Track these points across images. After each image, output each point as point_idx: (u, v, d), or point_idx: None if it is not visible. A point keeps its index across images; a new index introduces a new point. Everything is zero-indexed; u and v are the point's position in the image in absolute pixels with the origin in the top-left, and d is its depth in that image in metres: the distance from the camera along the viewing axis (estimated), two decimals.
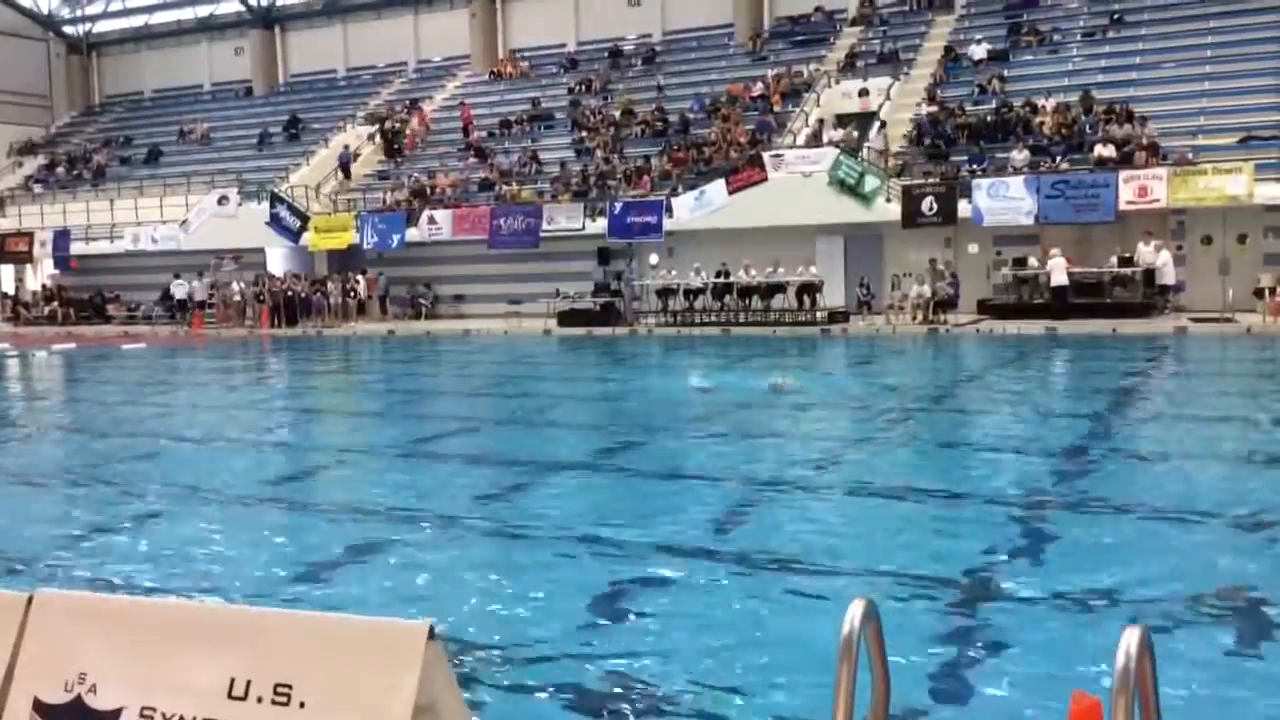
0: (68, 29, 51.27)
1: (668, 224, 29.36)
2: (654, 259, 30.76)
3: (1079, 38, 32.42)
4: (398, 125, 39.66)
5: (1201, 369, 18.37)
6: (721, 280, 28.34)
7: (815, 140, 29.86)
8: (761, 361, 20.50)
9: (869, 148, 28.94)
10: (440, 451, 12.40)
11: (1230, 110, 27.04)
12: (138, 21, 50.63)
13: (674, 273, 29.36)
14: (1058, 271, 24.82)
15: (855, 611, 3.37)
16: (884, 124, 30.18)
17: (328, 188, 37.16)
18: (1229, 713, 4.82)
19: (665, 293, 29.01)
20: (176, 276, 36.24)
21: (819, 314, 26.94)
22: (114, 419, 16.15)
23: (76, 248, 38.82)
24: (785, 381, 16.38)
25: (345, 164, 38.23)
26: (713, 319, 28.17)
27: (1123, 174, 25.00)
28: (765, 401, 15.15)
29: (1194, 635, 5.66)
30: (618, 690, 5.25)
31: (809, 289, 27.32)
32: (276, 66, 47.53)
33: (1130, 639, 3.05)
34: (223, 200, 36.21)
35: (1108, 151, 26.09)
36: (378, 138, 39.33)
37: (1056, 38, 32.69)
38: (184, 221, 36.81)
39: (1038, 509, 8.46)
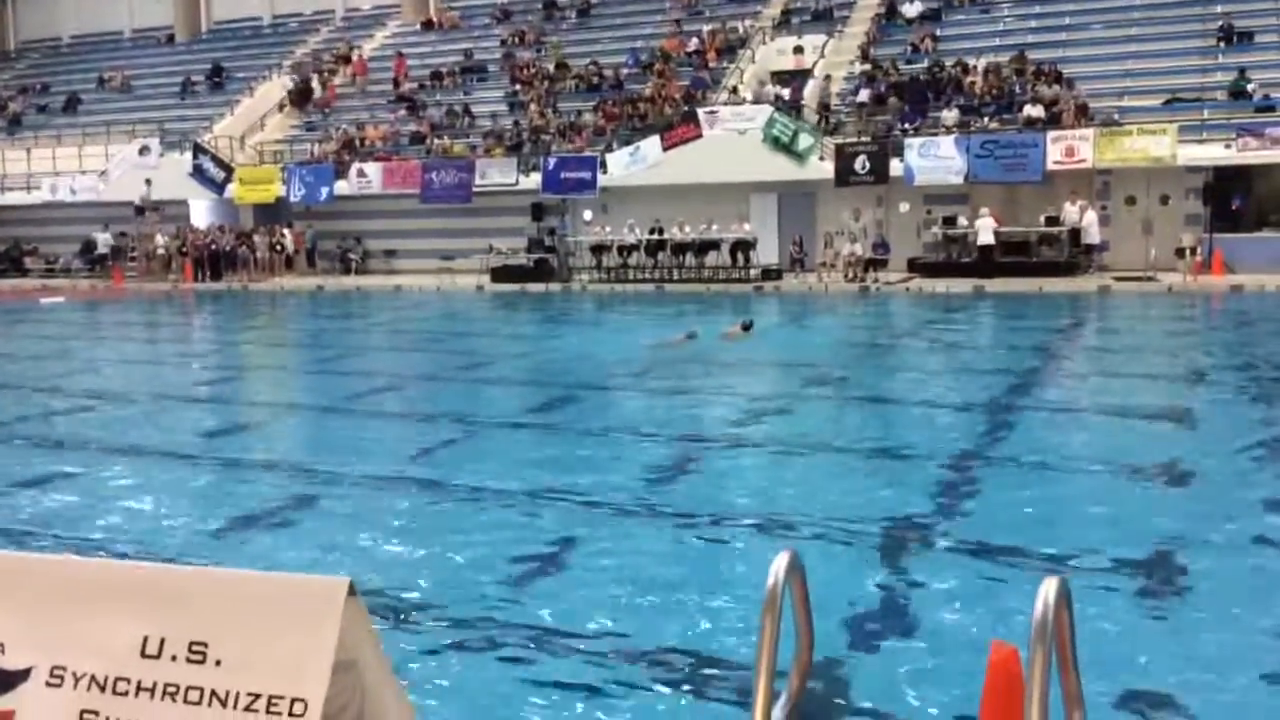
0: None
1: (602, 180, 29.18)
2: (588, 215, 30.57)
3: None
4: (324, 74, 38.88)
5: (1123, 326, 18.77)
6: (655, 237, 28.27)
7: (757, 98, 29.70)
8: (695, 319, 20.50)
9: (805, 105, 28.96)
10: (371, 408, 12.27)
11: (1155, 72, 27.46)
12: None
13: (608, 229, 29.21)
14: (984, 231, 25.16)
15: (780, 564, 3.39)
16: (829, 77, 30.20)
17: (254, 138, 36.29)
18: (1144, 661, 4.96)
19: (599, 249, 28.87)
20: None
21: (752, 271, 27.04)
22: (31, 375, 15.73)
23: None
24: (735, 330, 16.82)
25: (305, 77, 38.21)
26: (647, 276, 28.13)
27: (1050, 134, 25.32)
28: (696, 357, 15.18)
29: (1113, 586, 5.80)
30: (545, 645, 5.26)
31: (743, 246, 27.37)
32: (199, 13, 46.15)
33: (1048, 589, 3.11)
34: (144, 150, 35.21)
35: (1036, 112, 26.39)
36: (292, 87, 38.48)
37: None
38: (103, 172, 35.76)
39: (963, 464, 8.60)
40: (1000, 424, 10.22)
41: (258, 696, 2.48)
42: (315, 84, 38.52)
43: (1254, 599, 5.65)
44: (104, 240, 34.99)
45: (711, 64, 32.86)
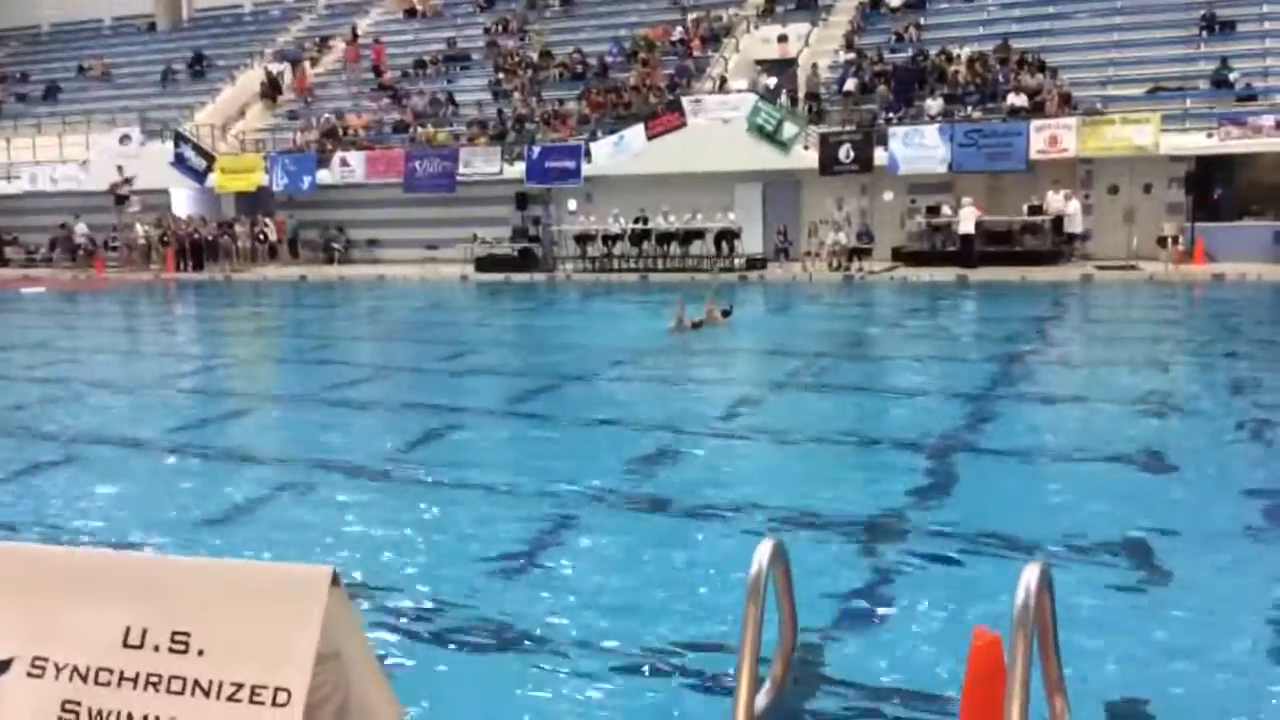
0: None
1: (586, 169, 29.10)
2: (572, 204, 30.50)
3: None
4: (316, 60, 38.73)
5: (1105, 315, 18.83)
6: (640, 226, 28.24)
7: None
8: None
9: (790, 93, 28.93)
10: (354, 399, 12.22)
11: (1138, 62, 27.53)
12: None
13: (592, 218, 29.16)
14: (966, 220, 25.22)
15: (763, 552, 3.40)
16: (814, 66, 30.19)
17: (235, 127, 36.05)
18: (1125, 647, 4.99)
19: (584, 238, 28.82)
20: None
21: (737, 260, 27.03)
22: (13, 364, 15.62)
23: None
24: (715, 314, 16.91)
25: (295, 60, 38.14)
26: (631, 265, 28.10)
27: (1034, 123, 25.37)
28: (679, 347, 15.18)
29: (1095, 574, 5.83)
30: (531, 636, 5.26)
31: (727, 235, 27.36)
32: (180, 0, 45.79)
33: (1030, 575, 3.12)
34: (125, 139, 34.94)
35: (1020, 101, 26.44)
36: (281, 76, 38.20)
37: None
38: (84, 161, 35.48)
39: (945, 452, 8.63)
40: (982, 411, 10.26)
41: (241, 686, 2.47)
42: (297, 72, 38.31)
43: (1237, 585, 5.70)
44: (80, 230, 34.71)
45: (696, 53, 32.80)
